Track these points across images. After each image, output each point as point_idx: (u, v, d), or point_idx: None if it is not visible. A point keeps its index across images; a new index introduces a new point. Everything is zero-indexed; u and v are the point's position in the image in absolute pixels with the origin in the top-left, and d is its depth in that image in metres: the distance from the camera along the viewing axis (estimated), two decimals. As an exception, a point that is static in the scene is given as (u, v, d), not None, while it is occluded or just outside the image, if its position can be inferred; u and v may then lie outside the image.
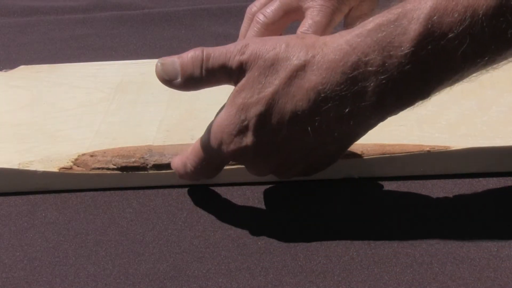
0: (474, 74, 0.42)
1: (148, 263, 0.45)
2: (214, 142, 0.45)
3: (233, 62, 0.44)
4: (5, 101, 0.62)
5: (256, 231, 0.47)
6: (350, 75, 0.41)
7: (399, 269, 0.43)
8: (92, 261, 0.45)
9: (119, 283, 0.43)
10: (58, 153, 0.53)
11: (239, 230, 0.48)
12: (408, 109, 0.43)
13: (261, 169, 0.47)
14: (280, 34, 0.67)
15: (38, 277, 0.44)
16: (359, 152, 0.51)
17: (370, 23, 0.41)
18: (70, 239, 0.48)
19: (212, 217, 0.49)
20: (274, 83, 0.43)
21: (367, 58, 0.41)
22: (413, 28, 0.39)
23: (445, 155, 0.51)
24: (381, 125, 0.54)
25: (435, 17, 0.39)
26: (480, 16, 0.38)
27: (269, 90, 0.43)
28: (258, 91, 0.43)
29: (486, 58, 0.40)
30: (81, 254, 0.46)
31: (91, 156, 0.52)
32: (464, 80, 0.42)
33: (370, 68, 0.40)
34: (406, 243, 0.45)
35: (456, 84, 0.43)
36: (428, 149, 0.51)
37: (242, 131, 0.44)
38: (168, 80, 0.47)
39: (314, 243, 0.46)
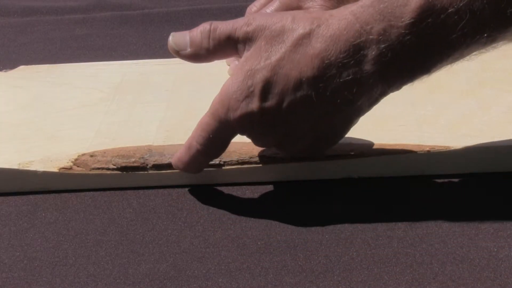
0: (474, 53, 0.43)
1: (148, 263, 0.45)
2: (221, 109, 0.46)
3: (240, 32, 0.46)
4: (5, 101, 0.62)
5: (256, 231, 0.47)
6: (353, 43, 0.42)
7: (399, 269, 0.43)
8: (92, 261, 0.45)
9: (119, 283, 0.43)
10: (58, 153, 0.53)
11: (239, 230, 0.48)
12: (409, 84, 0.44)
13: (266, 139, 0.47)
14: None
15: (38, 277, 0.44)
16: (359, 152, 0.51)
17: None
18: (70, 239, 0.48)
19: (212, 217, 0.49)
20: (280, 51, 0.44)
21: (369, 27, 0.42)
22: (414, 0, 0.40)
23: (445, 155, 0.51)
24: (381, 125, 0.54)
25: None
26: None
27: (275, 57, 0.44)
28: (265, 58, 0.45)
29: (485, 35, 0.41)
30: (81, 254, 0.46)
31: (91, 156, 0.52)
32: (465, 58, 0.43)
33: (372, 37, 0.42)
34: (406, 243, 0.45)
35: (457, 63, 0.44)
36: (428, 149, 0.51)
37: (248, 96, 0.45)
38: (178, 51, 0.49)
39: (314, 243, 0.46)
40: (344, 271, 0.43)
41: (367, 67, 0.43)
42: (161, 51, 0.77)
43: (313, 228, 0.47)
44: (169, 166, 0.51)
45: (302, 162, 0.51)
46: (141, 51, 0.77)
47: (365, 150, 0.51)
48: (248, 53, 0.46)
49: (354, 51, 0.42)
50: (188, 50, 0.49)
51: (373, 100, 0.45)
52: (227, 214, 0.49)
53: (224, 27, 0.47)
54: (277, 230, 0.47)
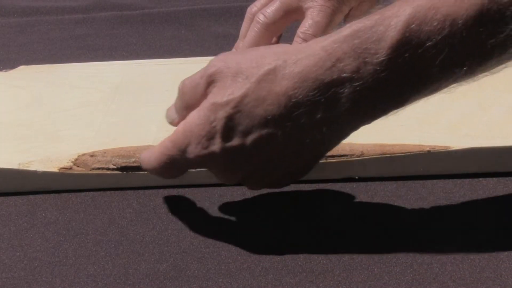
0: (453, 85, 0.41)
1: (148, 263, 0.45)
2: (182, 140, 0.44)
3: (205, 77, 0.44)
4: (5, 101, 0.62)
5: (256, 231, 0.47)
6: (324, 81, 0.40)
7: (399, 269, 0.43)
8: (92, 261, 0.45)
9: (119, 283, 0.43)
10: (58, 153, 0.53)
11: (239, 230, 0.48)
12: (382, 117, 0.43)
13: (229, 176, 0.45)
14: (280, 34, 0.67)
15: (38, 277, 0.44)
16: (359, 152, 0.51)
17: (347, 29, 0.40)
18: (70, 239, 0.48)
19: (212, 217, 0.49)
20: (244, 87, 0.42)
21: (342, 64, 0.40)
22: (390, 35, 0.38)
23: (445, 155, 0.51)
24: (381, 125, 0.54)
25: (413, 25, 0.38)
26: (460, 25, 0.37)
27: (238, 93, 0.42)
28: (229, 94, 0.42)
29: (465, 69, 0.39)
30: (81, 254, 0.46)
31: (91, 156, 0.52)
32: (443, 91, 0.41)
33: (345, 75, 0.40)
34: (406, 243, 0.45)
35: (436, 94, 0.42)
36: (428, 149, 0.51)
37: (210, 132, 0.43)
38: (172, 122, 0.48)
39: (314, 243, 0.46)
40: (344, 271, 0.43)
41: (339, 105, 0.40)
42: (161, 51, 0.77)
43: (313, 228, 0.47)
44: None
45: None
46: (141, 51, 0.77)
47: (365, 150, 0.51)
48: (214, 89, 0.44)
49: (325, 90, 0.40)
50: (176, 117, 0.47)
51: (344, 135, 0.44)
52: (227, 214, 0.49)
53: (190, 82, 0.45)
54: (277, 230, 0.47)
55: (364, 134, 0.52)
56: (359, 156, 0.51)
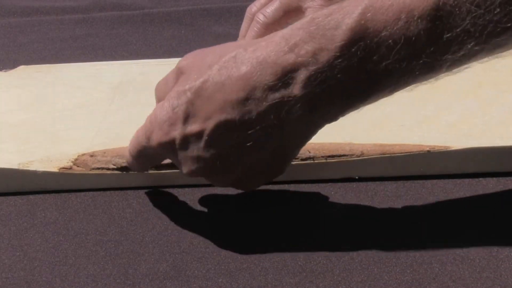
0: (415, 83, 0.41)
1: (148, 263, 0.45)
2: (149, 127, 0.45)
3: (172, 76, 0.46)
4: (5, 101, 0.62)
5: (256, 231, 0.47)
6: (281, 65, 0.41)
7: (399, 269, 0.43)
8: (92, 261, 0.45)
9: (119, 283, 0.43)
10: (58, 153, 0.53)
11: (239, 230, 0.48)
12: (346, 114, 0.43)
13: (189, 168, 0.45)
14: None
15: (38, 277, 0.44)
16: (359, 152, 0.51)
17: (306, 18, 0.41)
18: (70, 239, 0.48)
19: (212, 217, 0.49)
20: (205, 73, 0.43)
21: (297, 49, 0.40)
22: (346, 22, 0.39)
23: (445, 155, 0.51)
24: (381, 125, 0.54)
25: (369, 14, 0.39)
26: (416, 18, 0.38)
27: (200, 80, 0.43)
28: (191, 81, 0.43)
29: (421, 62, 0.39)
30: (81, 254, 0.46)
31: (91, 156, 0.52)
32: (407, 89, 0.42)
33: (301, 59, 0.40)
34: (406, 243, 0.45)
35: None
36: (428, 149, 0.51)
37: (171, 117, 0.44)
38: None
39: (314, 243, 0.46)
40: (344, 271, 0.43)
41: (296, 90, 0.41)
42: (161, 51, 0.77)
43: (313, 228, 0.47)
44: (169, 166, 0.51)
45: (302, 162, 0.51)
46: (141, 51, 0.77)
47: (365, 150, 0.51)
48: (180, 79, 0.45)
49: (282, 74, 0.41)
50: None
51: (304, 132, 0.43)
52: (227, 214, 0.49)
53: (162, 80, 0.47)
54: (277, 230, 0.47)
55: (364, 134, 0.52)
56: (359, 156, 0.51)
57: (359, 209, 0.49)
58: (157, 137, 0.45)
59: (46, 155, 0.53)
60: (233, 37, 0.64)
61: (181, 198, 0.51)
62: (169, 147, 0.44)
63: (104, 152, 0.53)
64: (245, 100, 0.42)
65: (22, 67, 0.69)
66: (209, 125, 0.43)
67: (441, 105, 0.56)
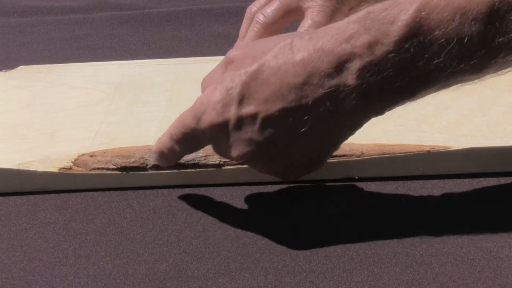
0: (460, 84, 0.43)
1: (148, 263, 0.45)
2: (199, 107, 0.45)
3: (221, 66, 0.46)
4: (5, 101, 0.62)
5: (256, 231, 0.47)
6: (337, 55, 0.42)
7: (399, 269, 0.43)
8: (92, 261, 0.45)
9: (119, 283, 0.43)
10: (58, 153, 0.53)
11: (239, 230, 0.48)
12: (392, 109, 0.44)
13: (240, 151, 0.45)
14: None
15: (38, 277, 0.44)
16: (359, 152, 0.51)
17: (361, 12, 0.42)
18: (70, 239, 0.48)
19: (212, 217, 0.49)
20: (261, 58, 0.44)
21: (354, 41, 0.41)
22: (402, 18, 0.40)
23: (445, 155, 0.51)
24: (381, 125, 0.54)
25: (424, 12, 0.40)
26: (470, 20, 0.39)
27: (255, 64, 0.44)
28: (246, 65, 0.44)
29: (472, 63, 0.40)
30: (81, 254, 0.46)
31: (91, 156, 0.52)
32: (450, 88, 0.43)
33: (356, 50, 0.41)
34: (406, 243, 0.45)
35: (443, 91, 0.43)
36: (428, 149, 0.51)
37: (226, 98, 0.44)
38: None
39: (314, 243, 0.46)
40: (344, 271, 0.43)
41: (350, 80, 0.42)
42: (161, 51, 0.77)
43: (313, 228, 0.47)
44: (169, 166, 0.51)
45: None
46: (141, 51, 0.77)
47: (365, 150, 0.51)
48: (231, 66, 0.45)
49: (338, 63, 0.42)
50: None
51: (354, 122, 0.44)
52: (227, 214, 0.49)
53: (209, 74, 0.48)
54: (277, 230, 0.47)
55: (364, 134, 0.52)
56: (359, 156, 0.51)
57: (359, 209, 0.49)
58: (210, 118, 0.44)
59: (46, 155, 0.53)
60: (233, 37, 0.64)
61: (181, 198, 0.51)
62: (221, 128, 0.45)
63: (104, 152, 0.53)
64: (302, 85, 0.43)
65: (22, 67, 0.69)
66: (265, 108, 0.43)
67: (441, 105, 0.56)
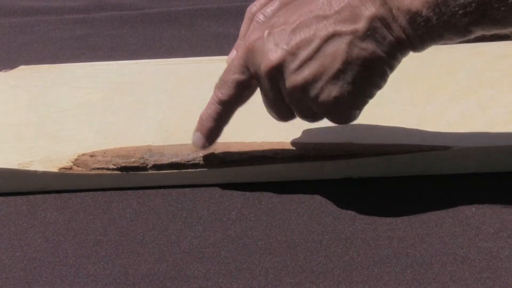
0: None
1: (148, 263, 0.45)
2: (247, 57, 0.47)
3: None
4: (5, 101, 0.62)
5: (256, 231, 0.47)
6: None
7: (399, 269, 0.43)
8: (92, 261, 0.45)
9: (119, 283, 0.43)
10: (58, 153, 0.53)
11: (239, 230, 0.48)
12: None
13: (310, 71, 0.45)
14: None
15: (38, 277, 0.44)
16: (359, 152, 0.51)
17: None
18: (70, 239, 0.48)
19: (212, 217, 0.49)
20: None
21: None
22: None
23: (445, 155, 0.51)
24: (381, 125, 0.54)
25: None
26: None
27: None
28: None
29: None
30: (81, 254, 0.46)
31: (91, 156, 0.52)
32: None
33: None
34: (406, 243, 0.45)
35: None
36: (428, 149, 0.51)
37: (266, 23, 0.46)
38: None
39: (314, 243, 0.46)
40: (344, 271, 0.43)
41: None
42: (161, 51, 0.77)
43: (313, 228, 0.47)
44: (169, 166, 0.51)
45: (302, 162, 0.51)
46: (141, 51, 0.77)
47: (365, 150, 0.51)
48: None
49: None
50: None
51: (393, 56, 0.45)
52: (227, 214, 0.49)
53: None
54: (277, 230, 0.47)
55: (364, 134, 0.52)
56: (359, 156, 0.51)
57: (359, 209, 0.49)
58: (266, 59, 0.45)
59: (46, 155, 0.53)
60: (233, 37, 0.64)
61: (181, 198, 0.51)
62: (282, 65, 0.45)
63: (104, 152, 0.53)
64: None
65: (22, 67, 0.69)
66: (323, 32, 0.44)
67: (441, 105, 0.56)
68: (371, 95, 0.46)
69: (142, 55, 0.75)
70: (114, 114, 0.59)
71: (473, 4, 0.41)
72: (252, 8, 0.62)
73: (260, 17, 0.60)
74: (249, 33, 0.48)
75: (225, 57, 0.66)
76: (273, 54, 0.45)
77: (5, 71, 0.68)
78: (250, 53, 0.47)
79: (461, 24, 0.42)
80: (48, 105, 0.61)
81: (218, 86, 0.49)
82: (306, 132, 0.54)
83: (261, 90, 0.48)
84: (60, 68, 0.68)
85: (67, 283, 0.44)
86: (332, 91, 0.45)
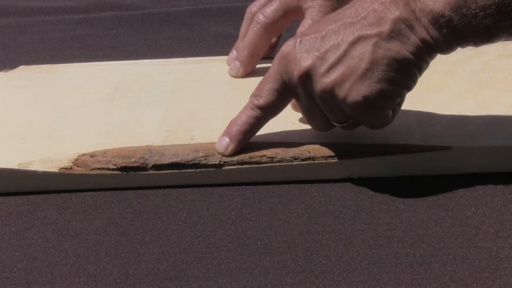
0: None
1: (148, 263, 0.45)
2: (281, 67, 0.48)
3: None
4: (5, 101, 0.62)
5: (256, 231, 0.47)
6: None
7: (399, 269, 0.43)
8: (92, 261, 0.45)
9: (119, 283, 0.43)
10: (58, 153, 0.53)
11: (239, 230, 0.48)
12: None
13: (336, 75, 0.46)
14: (280, 34, 0.67)
15: (38, 277, 0.44)
16: (358, 152, 0.51)
17: None
18: (70, 239, 0.48)
19: (212, 217, 0.49)
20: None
21: None
22: None
23: (445, 155, 0.51)
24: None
25: None
26: None
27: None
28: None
29: None
30: (81, 254, 0.46)
31: (91, 156, 0.52)
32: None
33: None
34: (406, 243, 0.45)
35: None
36: (428, 149, 0.51)
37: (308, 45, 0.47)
38: None
39: (314, 243, 0.46)
40: (344, 271, 0.43)
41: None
42: (161, 51, 0.77)
43: (313, 228, 0.47)
44: (169, 166, 0.51)
45: (302, 162, 0.51)
46: (141, 51, 0.77)
47: (365, 150, 0.51)
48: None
49: None
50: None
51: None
52: (227, 214, 0.49)
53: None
54: (277, 230, 0.47)
55: (364, 134, 0.52)
56: (359, 156, 0.51)
57: (359, 209, 0.49)
58: (298, 65, 0.47)
59: (46, 155, 0.53)
60: (233, 37, 0.64)
61: (181, 198, 0.51)
62: (312, 69, 0.46)
63: (104, 152, 0.53)
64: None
65: (22, 67, 0.69)
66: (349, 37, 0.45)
67: (441, 105, 0.56)
68: (400, 95, 0.47)
69: (142, 55, 0.75)
70: (114, 114, 0.59)
71: (493, 7, 0.42)
72: (252, 8, 0.62)
73: (260, 17, 0.60)
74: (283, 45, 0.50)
75: (225, 57, 0.67)
76: (304, 61, 0.46)
77: (5, 71, 0.68)
78: (283, 62, 0.48)
79: (482, 26, 0.43)
80: (48, 105, 0.61)
81: (254, 95, 0.50)
82: (306, 132, 0.54)
83: (296, 99, 0.50)
84: (60, 68, 0.68)
85: (67, 283, 0.44)
86: (361, 90, 0.46)
